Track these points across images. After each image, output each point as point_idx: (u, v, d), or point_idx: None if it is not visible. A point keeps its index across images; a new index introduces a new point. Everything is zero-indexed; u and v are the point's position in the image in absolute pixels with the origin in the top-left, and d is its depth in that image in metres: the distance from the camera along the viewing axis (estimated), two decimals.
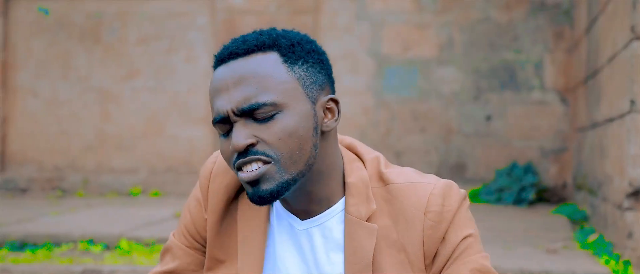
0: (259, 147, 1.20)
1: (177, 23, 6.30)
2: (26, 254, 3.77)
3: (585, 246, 3.78)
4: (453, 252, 1.23)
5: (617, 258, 3.38)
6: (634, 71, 3.33)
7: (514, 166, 5.77)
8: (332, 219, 1.28)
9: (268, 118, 1.19)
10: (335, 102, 1.27)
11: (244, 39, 1.23)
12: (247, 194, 1.23)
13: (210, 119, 6.22)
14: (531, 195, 5.58)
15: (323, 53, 1.27)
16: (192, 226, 1.35)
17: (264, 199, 1.21)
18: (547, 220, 4.80)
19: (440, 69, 6.05)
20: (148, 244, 3.91)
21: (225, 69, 1.22)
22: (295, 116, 1.20)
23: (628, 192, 3.34)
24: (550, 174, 5.93)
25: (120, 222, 4.47)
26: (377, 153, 1.33)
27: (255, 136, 1.19)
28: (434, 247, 1.24)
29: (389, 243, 1.24)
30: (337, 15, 6.12)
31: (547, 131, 5.95)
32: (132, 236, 3.98)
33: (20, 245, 3.96)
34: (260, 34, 1.23)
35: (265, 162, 1.20)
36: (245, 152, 1.19)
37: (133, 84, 6.33)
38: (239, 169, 1.22)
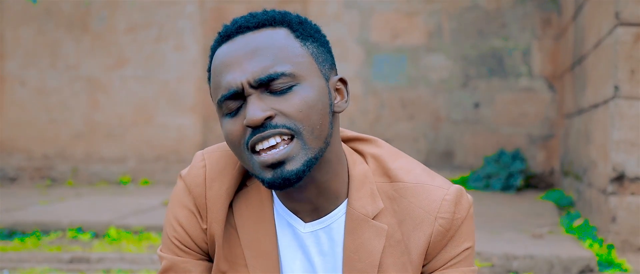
0: (277, 120, 1.11)
1: (165, 11, 6.28)
2: (15, 242, 3.78)
3: (570, 230, 3.82)
4: (450, 260, 1.22)
5: (601, 242, 3.42)
6: (617, 57, 3.35)
7: (502, 153, 5.80)
8: (340, 219, 1.21)
9: (285, 90, 1.12)
10: (345, 82, 1.21)
11: (252, 14, 1.18)
12: (265, 179, 1.13)
13: (200, 108, 6.24)
14: (519, 181, 5.61)
15: (327, 39, 1.23)
16: (188, 239, 1.24)
17: (288, 181, 1.12)
18: (535, 206, 4.84)
19: (428, 56, 6.06)
20: (137, 232, 3.93)
21: (232, 44, 1.15)
22: (313, 89, 1.14)
23: (612, 177, 3.38)
24: (538, 161, 5.97)
25: (109, 210, 4.48)
26: (377, 150, 1.25)
27: (272, 109, 1.12)
28: (436, 251, 1.22)
29: (392, 243, 1.20)
30: (326, 4, 6.12)
31: (534, 117, 5.98)
32: (121, 224, 3.99)
33: (8, 233, 3.96)
34: (268, 11, 1.18)
35: (286, 136, 1.11)
36: (263, 127, 1.11)
37: (122, 73, 6.32)
38: (253, 150, 1.13)
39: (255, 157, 1.13)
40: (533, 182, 5.89)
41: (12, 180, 6.33)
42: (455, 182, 5.82)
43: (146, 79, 6.31)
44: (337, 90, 1.20)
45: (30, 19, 6.35)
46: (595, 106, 3.91)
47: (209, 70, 1.19)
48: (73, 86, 6.35)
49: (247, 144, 1.13)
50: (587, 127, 4.24)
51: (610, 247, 3.32)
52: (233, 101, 1.14)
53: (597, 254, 3.22)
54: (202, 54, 6.23)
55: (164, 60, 6.29)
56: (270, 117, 1.11)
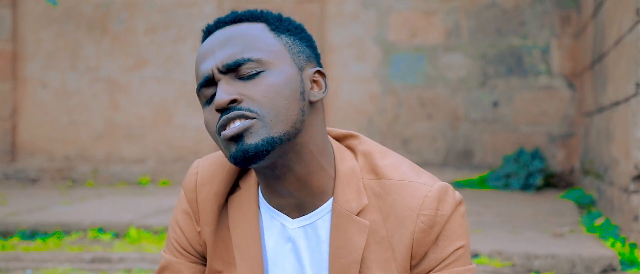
0: (243, 104, 1.16)
1: (184, 12, 6.32)
2: (37, 242, 3.81)
3: (592, 229, 3.79)
4: (443, 260, 1.21)
5: (624, 240, 3.39)
6: (639, 53, 3.32)
7: (521, 152, 5.77)
8: (326, 216, 1.23)
9: (253, 75, 1.17)
10: (322, 74, 1.24)
11: (233, 12, 1.25)
12: (230, 155, 1.17)
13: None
14: (539, 180, 5.58)
15: (310, 36, 1.26)
16: (185, 241, 1.31)
17: (247, 154, 1.15)
18: (555, 205, 4.81)
19: (446, 55, 6.04)
20: (157, 232, 3.95)
21: (210, 37, 1.23)
22: (281, 75, 1.18)
23: (634, 175, 3.35)
24: (557, 160, 5.93)
25: (129, 211, 4.52)
26: (370, 144, 1.27)
27: (239, 93, 1.16)
28: (422, 250, 1.21)
29: (376, 240, 1.21)
30: (344, 3, 6.12)
31: (554, 116, 5.94)
32: (141, 224, 4.02)
33: (31, 234, 4.00)
34: (249, 9, 1.25)
35: (248, 118, 1.15)
36: (228, 110, 1.16)
37: (141, 74, 6.36)
38: (222, 131, 1.17)
39: (222, 133, 1.17)
40: (553, 181, 5.85)
41: (34, 181, 6.39)
42: (474, 181, 5.81)
43: (165, 80, 6.35)
44: (314, 81, 1.23)
45: (51, 21, 6.41)
46: (617, 103, 3.87)
47: None
48: (93, 87, 6.40)
49: (218, 128, 1.18)
50: (608, 125, 4.20)
51: (633, 246, 3.29)
52: (207, 88, 1.20)
53: (620, 253, 3.20)
54: None
55: (183, 61, 6.32)
56: (236, 101, 1.16)
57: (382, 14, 6.08)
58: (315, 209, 1.23)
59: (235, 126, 1.15)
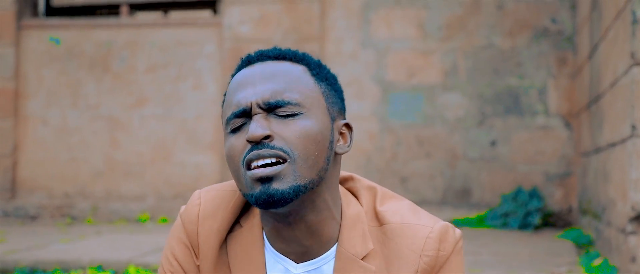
0: (276, 142, 1.16)
1: (185, 51, 6.39)
2: None
3: (590, 270, 3.79)
4: None
5: None
6: (634, 96, 3.37)
7: (519, 191, 5.79)
8: (331, 262, 1.24)
9: (289, 115, 1.18)
10: (350, 128, 1.27)
11: (276, 47, 1.26)
12: (252, 195, 1.16)
13: (218, 145, 6.29)
14: (537, 220, 5.59)
15: (341, 89, 1.30)
16: (182, 273, 1.29)
17: (272, 199, 1.15)
18: (553, 245, 4.81)
19: (444, 94, 6.10)
20: (156, 271, 3.95)
21: (251, 68, 1.22)
22: (316, 122, 1.19)
23: (631, 216, 3.37)
24: (555, 199, 5.95)
25: (128, 248, 4.52)
26: (369, 187, 1.30)
27: (273, 131, 1.17)
28: None
29: None
30: (343, 43, 6.20)
31: (551, 155, 5.98)
32: (140, 262, 4.02)
33: (30, 272, 4.00)
34: (291, 49, 1.26)
35: (280, 159, 1.15)
36: (260, 145, 1.16)
37: (141, 112, 6.41)
38: (249, 166, 1.17)
39: (249, 172, 1.17)
40: (551, 221, 5.86)
41: (33, 218, 6.39)
42: (472, 220, 5.82)
43: (165, 118, 6.39)
44: (341, 134, 1.25)
45: (53, 59, 6.48)
46: (613, 144, 3.91)
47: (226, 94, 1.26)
48: (94, 125, 6.44)
49: (244, 160, 1.17)
50: (604, 165, 4.24)
51: None
52: (240, 118, 1.20)
53: None
54: (220, 93, 6.31)
55: (183, 99, 6.37)
56: (269, 137, 1.16)
57: (380, 54, 6.15)
58: (320, 255, 1.24)
59: (269, 170, 1.15)
